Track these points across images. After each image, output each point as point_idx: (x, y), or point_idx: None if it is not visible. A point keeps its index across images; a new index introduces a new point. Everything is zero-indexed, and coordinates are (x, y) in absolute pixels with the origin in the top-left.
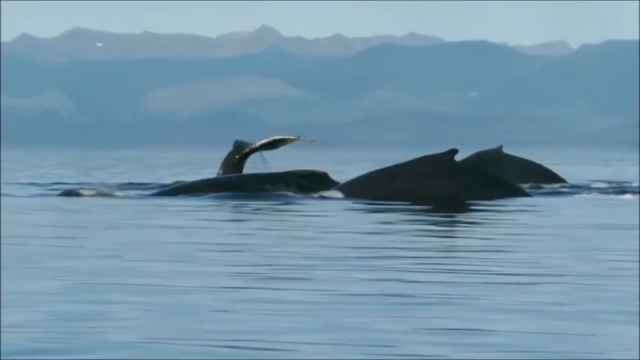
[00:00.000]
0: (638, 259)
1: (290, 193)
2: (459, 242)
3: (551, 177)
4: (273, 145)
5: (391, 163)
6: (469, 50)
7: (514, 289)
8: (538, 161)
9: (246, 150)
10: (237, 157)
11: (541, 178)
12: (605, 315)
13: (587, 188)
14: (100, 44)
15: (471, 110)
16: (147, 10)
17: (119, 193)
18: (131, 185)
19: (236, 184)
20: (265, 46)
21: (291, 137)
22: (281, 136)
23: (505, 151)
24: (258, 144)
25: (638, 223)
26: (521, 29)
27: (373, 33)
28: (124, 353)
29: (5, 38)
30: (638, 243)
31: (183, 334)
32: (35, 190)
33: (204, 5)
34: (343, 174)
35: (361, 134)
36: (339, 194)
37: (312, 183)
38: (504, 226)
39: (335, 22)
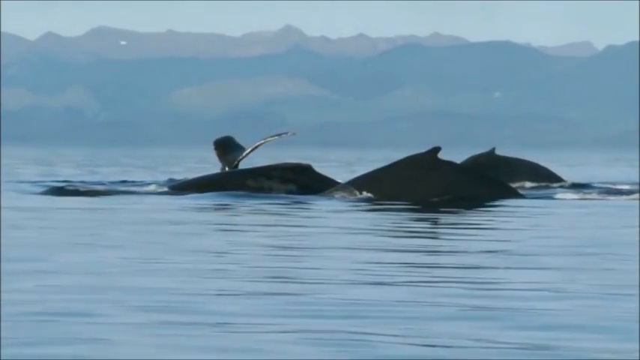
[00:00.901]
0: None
1: (273, 187)
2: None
3: (549, 177)
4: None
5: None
6: (493, 51)
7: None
8: (558, 163)
9: (237, 162)
10: (230, 161)
11: (537, 177)
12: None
13: (585, 188)
14: (124, 43)
15: (494, 111)
16: (171, 9)
17: (99, 191)
18: (123, 183)
19: (218, 182)
20: (289, 46)
21: (275, 137)
22: (263, 140)
23: (529, 151)
24: (246, 152)
25: (606, 224)
26: (545, 30)
27: (397, 33)
28: None
29: (30, 37)
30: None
31: None
32: (24, 187)
33: (229, 4)
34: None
35: (384, 134)
36: (334, 195)
37: (296, 175)
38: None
39: (359, 21)
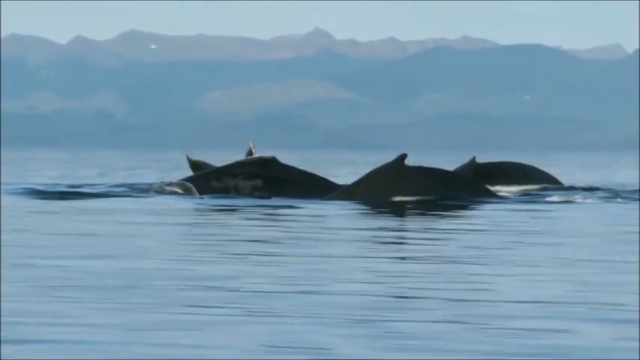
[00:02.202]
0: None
1: (239, 186)
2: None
3: (547, 180)
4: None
5: (443, 167)
6: (523, 53)
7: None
8: (588, 165)
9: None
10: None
11: (532, 181)
12: None
13: (578, 192)
14: (154, 46)
15: (524, 113)
16: (201, 13)
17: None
18: (122, 186)
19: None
20: (318, 49)
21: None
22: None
23: (558, 154)
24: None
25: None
26: (575, 32)
27: (427, 36)
28: None
29: (61, 40)
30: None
31: None
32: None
33: (258, 8)
34: None
35: (414, 137)
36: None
37: (260, 169)
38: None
39: (388, 24)
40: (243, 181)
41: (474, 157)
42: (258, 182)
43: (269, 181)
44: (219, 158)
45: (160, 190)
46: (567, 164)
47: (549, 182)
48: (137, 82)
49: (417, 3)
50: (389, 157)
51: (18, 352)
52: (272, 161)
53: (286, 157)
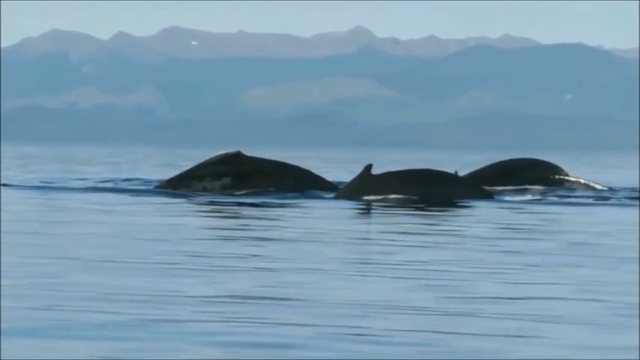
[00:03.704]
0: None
1: (207, 187)
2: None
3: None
4: None
5: (482, 166)
6: (564, 53)
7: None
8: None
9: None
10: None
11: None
12: None
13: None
14: (195, 43)
15: (565, 113)
16: (242, 10)
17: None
18: (127, 181)
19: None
20: (359, 47)
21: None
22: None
23: (599, 154)
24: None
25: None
26: (617, 32)
27: (468, 34)
28: None
29: (103, 36)
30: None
31: None
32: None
33: (300, 5)
34: None
35: (454, 136)
36: None
37: (227, 166)
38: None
39: (429, 23)
40: (212, 182)
41: (457, 171)
42: (227, 180)
43: (238, 176)
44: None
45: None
46: (611, 165)
47: (588, 187)
48: (178, 78)
49: (458, 1)
50: (428, 155)
51: (18, 352)
52: (238, 156)
53: (326, 155)
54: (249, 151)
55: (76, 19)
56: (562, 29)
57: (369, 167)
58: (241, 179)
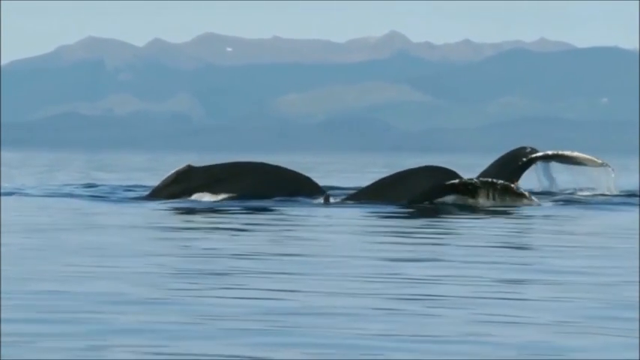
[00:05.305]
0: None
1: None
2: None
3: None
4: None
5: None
6: (600, 56)
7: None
8: None
9: None
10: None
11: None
12: None
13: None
14: (230, 49)
15: (601, 117)
16: (276, 16)
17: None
18: (135, 187)
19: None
20: (394, 52)
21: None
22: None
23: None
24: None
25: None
26: None
27: (503, 38)
28: None
29: (138, 43)
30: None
31: None
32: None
33: (334, 10)
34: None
35: (489, 140)
36: None
37: (180, 184)
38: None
39: (464, 27)
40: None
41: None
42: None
43: (194, 191)
44: (293, 160)
45: None
46: None
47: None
48: (213, 84)
49: (493, 5)
50: (464, 160)
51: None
52: (190, 170)
53: (360, 160)
54: (282, 158)
55: (111, 26)
56: (597, 32)
57: (327, 197)
58: (198, 192)
